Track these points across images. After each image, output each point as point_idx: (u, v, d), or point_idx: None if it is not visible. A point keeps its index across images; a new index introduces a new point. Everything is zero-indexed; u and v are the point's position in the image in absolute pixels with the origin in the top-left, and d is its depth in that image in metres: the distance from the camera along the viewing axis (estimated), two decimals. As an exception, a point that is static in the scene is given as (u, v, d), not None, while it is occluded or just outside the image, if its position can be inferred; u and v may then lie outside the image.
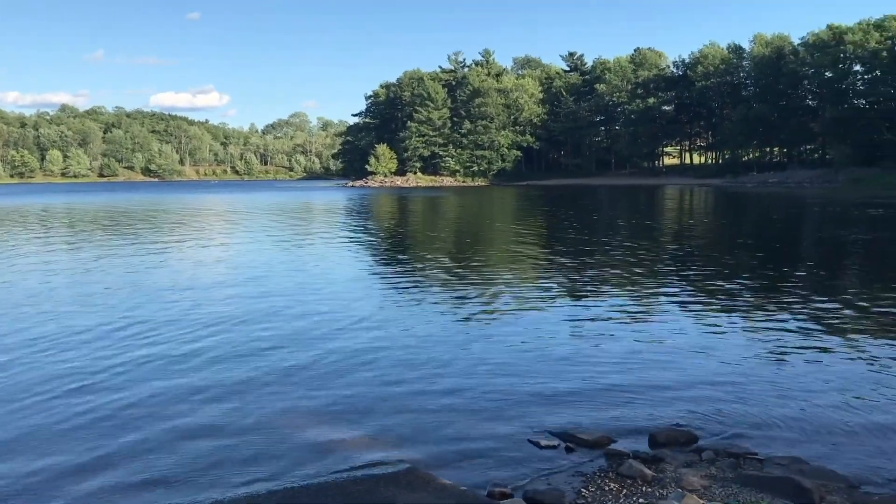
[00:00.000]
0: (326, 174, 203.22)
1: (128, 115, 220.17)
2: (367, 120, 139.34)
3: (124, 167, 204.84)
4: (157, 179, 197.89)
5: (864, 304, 12.72)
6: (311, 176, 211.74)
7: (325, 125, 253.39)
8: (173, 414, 7.17)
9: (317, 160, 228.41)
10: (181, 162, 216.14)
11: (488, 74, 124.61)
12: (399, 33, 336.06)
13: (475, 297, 13.59)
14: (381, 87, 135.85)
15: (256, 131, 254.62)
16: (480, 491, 5.40)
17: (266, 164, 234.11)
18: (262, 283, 15.47)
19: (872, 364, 8.75)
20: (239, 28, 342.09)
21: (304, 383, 8.16)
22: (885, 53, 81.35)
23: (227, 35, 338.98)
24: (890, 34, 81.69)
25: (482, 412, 7.12)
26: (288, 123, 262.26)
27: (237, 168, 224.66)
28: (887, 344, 9.74)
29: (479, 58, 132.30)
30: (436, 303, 13.06)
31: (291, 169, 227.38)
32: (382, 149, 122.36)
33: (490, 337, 10.33)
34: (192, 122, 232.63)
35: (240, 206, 54.41)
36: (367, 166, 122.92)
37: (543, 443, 6.26)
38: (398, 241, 26.33)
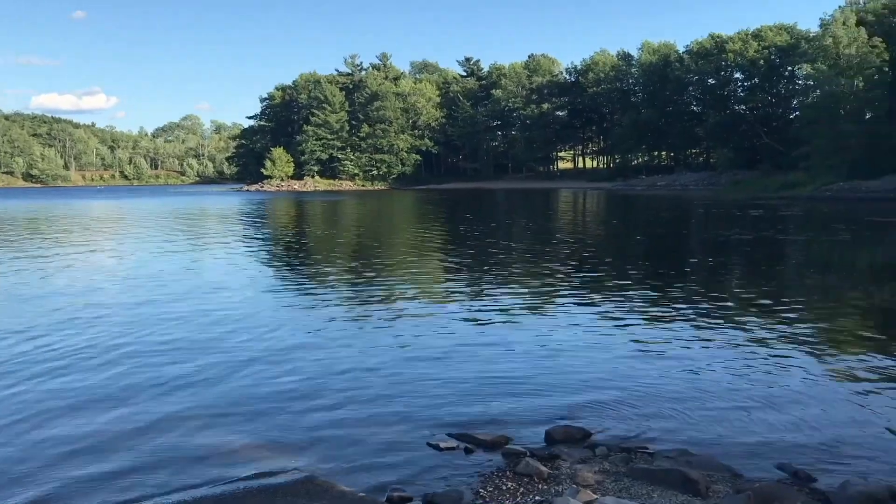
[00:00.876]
0: (220, 178, 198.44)
1: (6, 118, 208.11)
2: (262, 123, 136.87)
3: (3, 172, 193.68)
4: (39, 185, 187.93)
5: (748, 299, 13.38)
6: (204, 180, 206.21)
7: (219, 128, 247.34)
8: (50, 423, 6.83)
9: (210, 164, 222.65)
10: (66, 167, 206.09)
11: (386, 78, 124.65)
12: (294, 34, 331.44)
13: (373, 302, 13.53)
14: (277, 89, 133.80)
15: (146, 135, 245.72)
16: (380, 496, 5.38)
17: (157, 168, 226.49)
18: (153, 291, 14.92)
19: (755, 356, 9.21)
20: (127, 27, 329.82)
21: (195, 392, 7.92)
22: (762, 62, 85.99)
23: (115, 34, 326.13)
24: (766, 44, 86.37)
25: (381, 417, 7.09)
26: (180, 126, 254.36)
27: (126, 173, 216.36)
28: (768, 338, 10.27)
29: (376, 61, 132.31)
30: (332, 309, 12.92)
31: (184, 173, 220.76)
32: (279, 152, 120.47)
33: (389, 342, 10.30)
34: (77, 125, 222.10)
35: (129, 212, 52.40)
36: (262, 170, 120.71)
37: (442, 445, 6.29)
38: (296, 247, 25.93)
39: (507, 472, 5.68)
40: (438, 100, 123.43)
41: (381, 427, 6.81)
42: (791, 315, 11.88)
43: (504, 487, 5.39)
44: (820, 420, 6.93)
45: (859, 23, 66.37)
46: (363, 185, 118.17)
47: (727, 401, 7.48)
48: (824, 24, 70.80)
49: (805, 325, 11.15)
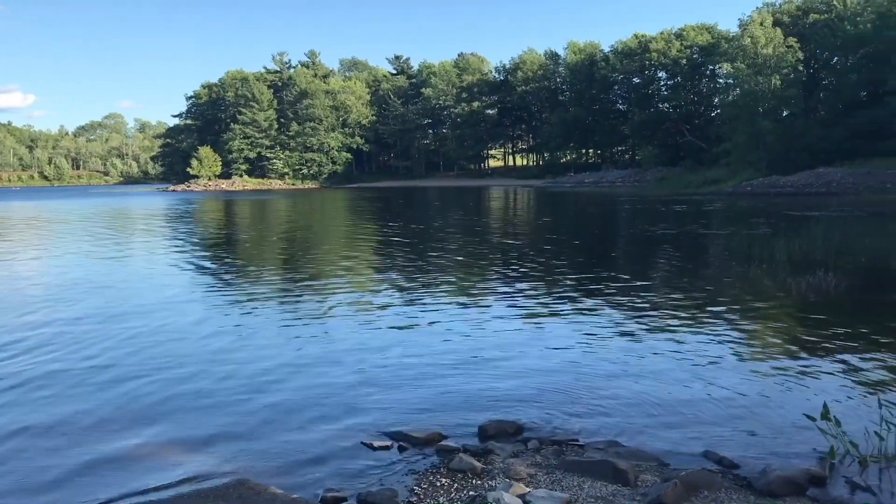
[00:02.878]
0: (146, 178, 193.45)
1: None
2: (188, 121, 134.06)
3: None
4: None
5: (674, 293, 13.73)
6: (129, 180, 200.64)
7: (143, 127, 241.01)
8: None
9: (135, 164, 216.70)
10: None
11: (315, 76, 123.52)
12: (220, 31, 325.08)
13: (304, 303, 13.41)
14: (203, 87, 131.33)
15: (67, 134, 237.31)
16: (314, 497, 5.34)
17: (79, 168, 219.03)
18: (76, 297, 14.45)
19: (680, 348, 9.47)
20: (46, 23, 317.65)
21: (122, 394, 7.71)
22: (684, 61, 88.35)
23: (32, 29, 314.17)
24: (688, 44, 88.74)
25: (314, 418, 7.04)
26: (102, 125, 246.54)
27: (46, 173, 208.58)
28: (694, 330, 10.58)
29: (304, 59, 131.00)
30: (262, 311, 12.76)
31: (107, 173, 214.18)
32: (205, 151, 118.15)
33: (321, 343, 10.22)
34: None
35: (49, 213, 50.58)
36: (189, 169, 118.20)
37: (376, 444, 6.29)
38: (224, 248, 25.49)
39: (441, 469, 5.72)
40: (369, 98, 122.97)
41: (313, 428, 6.76)
42: (715, 308, 12.26)
43: (438, 484, 5.43)
44: (743, 409, 7.17)
45: (776, 23, 68.89)
46: (293, 184, 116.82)
47: (655, 392, 7.68)
48: (743, 25, 73.27)
49: (728, 318, 11.52)
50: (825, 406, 6.11)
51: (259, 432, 6.66)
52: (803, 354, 9.17)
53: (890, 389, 7.66)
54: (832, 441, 5.94)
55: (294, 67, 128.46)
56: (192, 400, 7.62)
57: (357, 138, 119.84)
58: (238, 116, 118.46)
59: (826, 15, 70.05)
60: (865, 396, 7.35)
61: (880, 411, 6.14)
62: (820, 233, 19.17)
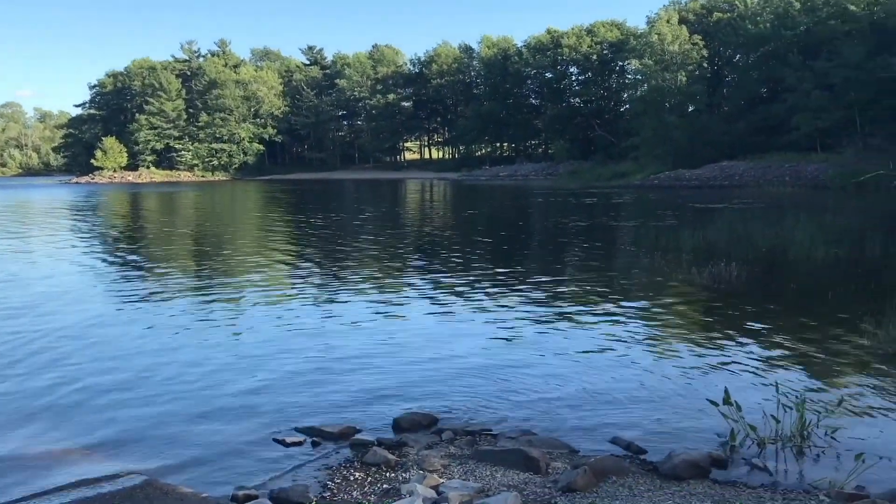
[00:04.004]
0: (47, 170, 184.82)
1: None
2: (91, 111, 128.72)
3: None
4: None
5: (585, 283, 14.05)
6: (28, 172, 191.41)
7: (44, 116, 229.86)
8: None
9: (35, 155, 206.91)
10: None
11: (225, 65, 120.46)
12: (125, 17, 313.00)
13: (216, 298, 13.11)
14: (108, 75, 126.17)
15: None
16: (225, 496, 5.23)
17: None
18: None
19: (592, 338, 9.69)
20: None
21: (18, 393, 7.37)
22: (595, 57, 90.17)
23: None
24: (599, 40, 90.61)
25: (223, 415, 6.90)
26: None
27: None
28: (604, 319, 10.83)
29: (214, 48, 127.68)
30: (173, 307, 12.41)
31: (4, 165, 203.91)
32: (110, 142, 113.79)
33: (229, 338, 10.02)
34: None
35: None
36: (93, 161, 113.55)
37: (289, 440, 6.20)
38: (131, 243, 24.65)
39: (355, 463, 5.68)
40: (281, 88, 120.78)
41: (223, 425, 6.62)
42: (623, 298, 12.60)
43: (352, 478, 5.39)
44: (650, 396, 7.39)
45: (681, 21, 71.13)
46: (203, 176, 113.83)
47: (567, 382, 7.83)
48: (651, 22, 75.23)
49: (636, 308, 11.86)
50: (726, 391, 6.35)
51: (167, 432, 6.48)
52: (707, 342, 9.51)
53: (786, 374, 8.03)
54: (733, 425, 6.17)
55: (203, 56, 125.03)
56: (95, 400, 7.35)
57: (269, 129, 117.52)
58: (145, 106, 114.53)
59: (729, 14, 72.69)
60: (764, 381, 7.67)
61: (777, 395, 6.42)
62: (723, 224, 19.92)
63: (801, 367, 8.37)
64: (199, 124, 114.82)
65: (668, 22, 69.29)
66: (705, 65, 69.23)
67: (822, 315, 11.08)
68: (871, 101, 53.98)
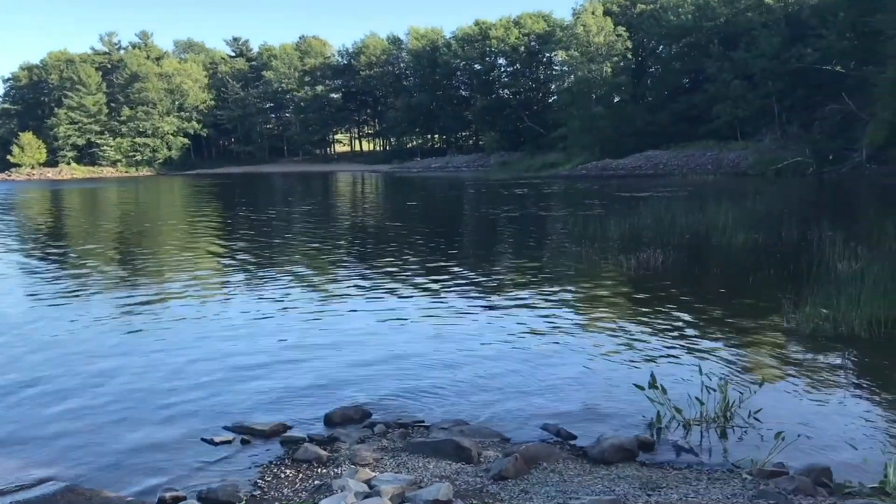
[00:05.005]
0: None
1: None
2: (6, 106, 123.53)
3: None
4: None
5: (516, 273, 14.20)
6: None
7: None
8: None
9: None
10: None
11: (147, 58, 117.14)
12: (39, 7, 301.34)
13: (142, 297, 12.77)
14: (22, 68, 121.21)
15: None
16: (151, 498, 5.10)
17: None
18: None
19: (521, 326, 9.79)
20: None
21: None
22: (523, 49, 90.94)
23: None
24: (526, 31, 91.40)
25: (149, 416, 6.72)
26: None
27: None
28: (533, 309, 10.95)
29: (136, 39, 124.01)
30: (94, 306, 12.04)
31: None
32: (28, 138, 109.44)
33: (154, 338, 9.76)
34: None
35: None
36: (9, 157, 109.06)
37: (217, 440, 6.08)
38: (51, 242, 23.80)
39: (286, 460, 5.61)
40: (206, 81, 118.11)
41: (149, 427, 6.45)
42: (553, 286, 12.79)
43: (283, 475, 5.32)
44: (580, 382, 7.51)
45: (606, 13, 72.26)
46: (126, 172, 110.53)
47: (498, 371, 7.89)
48: (576, 14, 76.18)
49: (566, 296, 12.04)
50: (652, 375, 6.50)
51: (90, 436, 6.27)
52: (634, 327, 9.72)
53: (710, 356, 8.27)
54: (659, 408, 6.33)
55: (124, 49, 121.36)
56: (8, 405, 7.07)
57: (194, 123, 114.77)
58: (64, 100, 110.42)
59: (651, 6, 74.17)
60: (689, 364, 7.87)
61: (701, 377, 6.60)
62: (648, 212, 20.36)
63: (724, 349, 8.63)
64: (122, 118, 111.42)
65: (592, 14, 70.28)
66: (630, 56, 70.54)
67: (743, 299, 11.44)
68: (788, 90, 55.97)
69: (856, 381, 7.45)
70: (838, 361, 8.14)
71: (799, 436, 5.81)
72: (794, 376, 7.58)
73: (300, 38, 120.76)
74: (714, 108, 59.77)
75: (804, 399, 6.93)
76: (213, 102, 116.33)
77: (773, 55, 55.69)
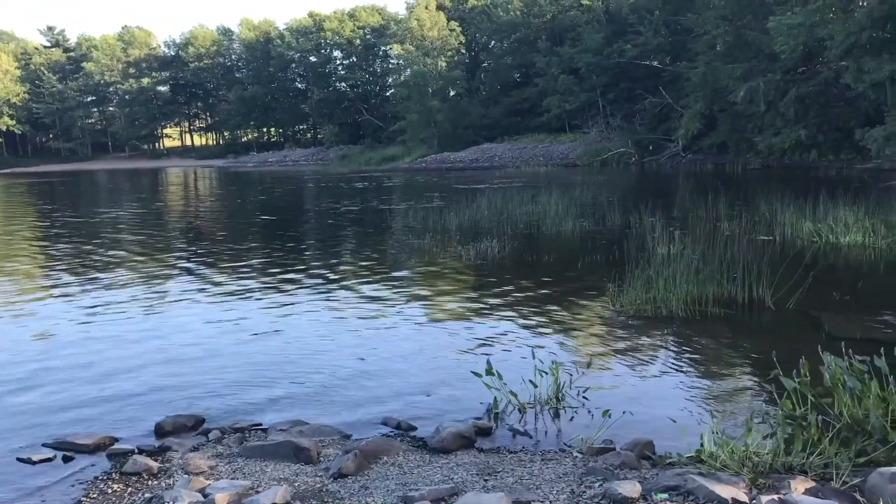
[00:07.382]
0: None
1: None
2: None
3: None
4: None
5: (358, 267, 14.15)
6: None
7: None
8: None
9: None
10: None
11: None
12: None
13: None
14: None
15: None
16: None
17: None
18: None
19: (357, 319, 9.77)
20: None
21: None
22: (358, 42, 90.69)
23: None
24: (361, 24, 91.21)
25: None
26: None
27: None
28: (371, 301, 10.96)
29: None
30: None
31: None
32: None
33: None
34: None
35: None
36: None
37: (36, 458, 5.65)
38: None
39: (114, 474, 5.30)
40: (18, 73, 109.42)
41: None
42: (394, 279, 12.87)
43: (110, 491, 5.03)
44: (420, 374, 7.60)
45: (439, 7, 73.37)
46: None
47: (336, 368, 7.83)
48: (410, 8, 76.87)
49: (406, 288, 12.15)
50: (488, 362, 6.67)
51: None
52: (472, 316, 9.95)
53: (542, 341, 8.61)
54: (496, 393, 6.51)
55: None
56: None
57: (6, 118, 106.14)
58: None
59: (482, 1, 76.03)
60: (523, 349, 8.16)
61: (534, 361, 6.85)
62: (485, 203, 20.87)
63: (555, 333, 9.02)
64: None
65: (426, 8, 71.16)
66: (463, 51, 72.10)
67: (572, 284, 11.99)
68: (611, 85, 59.19)
69: (675, 358, 7.99)
70: (659, 340, 8.69)
71: (624, 412, 6.14)
72: (619, 356, 8.03)
73: (122, 27, 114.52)
74: (544, 102, 62.20)
75: (629, 377, 7.35)
76: (27, 96, 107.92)
77: (596, 51, 58.66)
